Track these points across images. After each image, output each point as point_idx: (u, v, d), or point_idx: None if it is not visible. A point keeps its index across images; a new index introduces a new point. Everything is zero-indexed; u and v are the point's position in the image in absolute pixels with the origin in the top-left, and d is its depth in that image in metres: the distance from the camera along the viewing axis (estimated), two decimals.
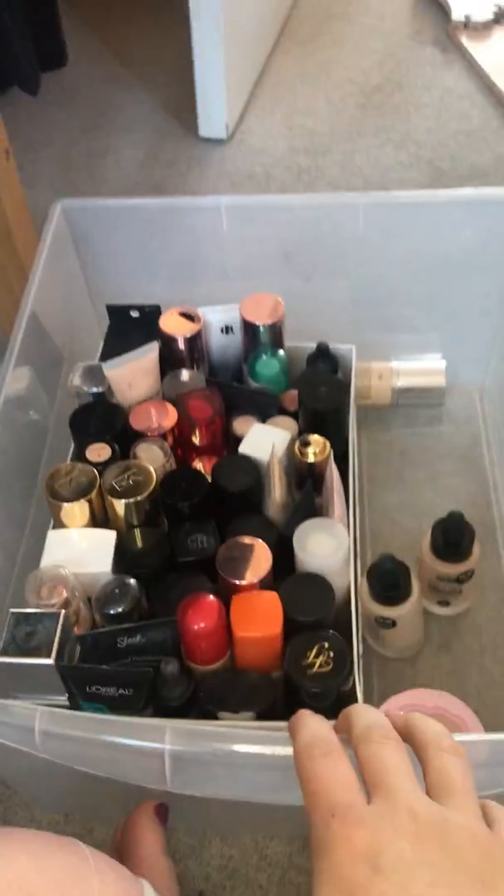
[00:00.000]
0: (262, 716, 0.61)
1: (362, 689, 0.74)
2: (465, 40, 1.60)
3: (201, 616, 0.60)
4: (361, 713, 0.41)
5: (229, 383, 0.81)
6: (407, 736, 0.41)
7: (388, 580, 0.70)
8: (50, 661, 0.59)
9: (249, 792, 0.50)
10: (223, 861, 0.68)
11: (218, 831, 0.69)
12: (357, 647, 0.71)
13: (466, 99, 1.51)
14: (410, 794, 0.36)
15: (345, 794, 0.37)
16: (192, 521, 0.70)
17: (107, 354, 0.83)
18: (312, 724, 0.41)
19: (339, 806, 0.36)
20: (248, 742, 0.48)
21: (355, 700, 0.62)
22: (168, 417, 0.76)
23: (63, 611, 0.61)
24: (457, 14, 1.62)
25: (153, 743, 0.48)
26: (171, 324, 0.80)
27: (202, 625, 0.60)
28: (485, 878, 0.33)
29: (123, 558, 0.68)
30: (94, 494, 0.69)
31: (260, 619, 0.61)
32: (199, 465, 0.77)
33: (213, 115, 1.42)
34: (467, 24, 1.61)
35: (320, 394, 0.75)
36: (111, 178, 1.41)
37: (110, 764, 0.51)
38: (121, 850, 0.62)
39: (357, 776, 0.38)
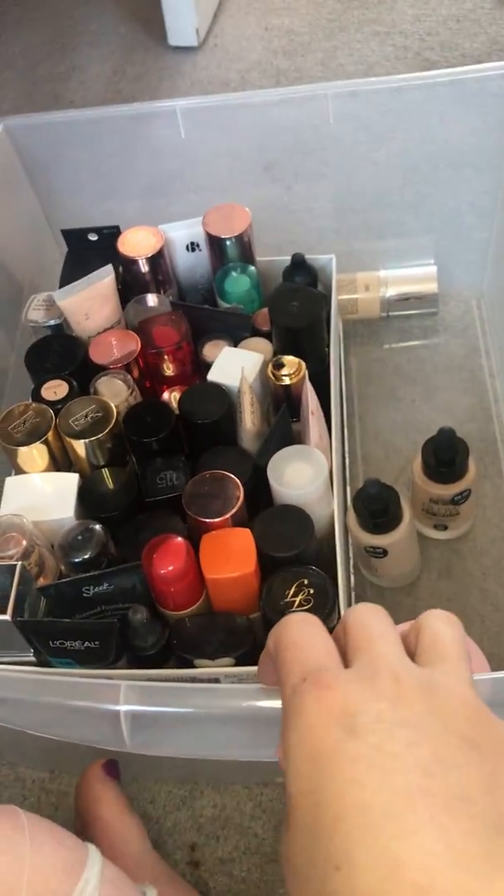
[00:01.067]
0: (241, 661, 0.56)
1: None
2: None
3: (168, 559, 0.56)
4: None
5: (197, 304, 0.75)
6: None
7: (375, 507, 0.64)
8: (6, 616, 0.54)
9: (216, 750, 0.46)
10: (216, 811, 0.65)
11: (209, 780, 0.65)
12: (348, 580, 0.66)
13: None
14: (395, 658, 0.32)
15: (320, 659, 0.32)
16: (161, 458, 0.65)
17: (66, 283, 0.77)
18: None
19: (313, 670, 0.32)
20: (209, 697, 0.43)
21: None
22: (131, 348, 0.70)
23: (20, 563, 0.57)
24: None
25: (107, 704, 0.44)
26: (130, 244, 0.74)
27: (170, 568, 0.56)
28: (472, 737, 0.29)
29: (88, 502, 0.64)
30: (50, 436, 0.64)
31: (232, 559, 0.57)
32: (169, 396, 0.71)
33: (182, 20, 1.32)
34: None
35: (292, 309, 0.68)
36: (79, 99, 1.32)
37: (65, 727, 0.47)
38: (81, 816, 0.59)
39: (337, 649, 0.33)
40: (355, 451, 0.84)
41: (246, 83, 1.29)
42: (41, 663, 0.59)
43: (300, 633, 0.33)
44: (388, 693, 0.30)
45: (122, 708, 0.43)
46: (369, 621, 0.33)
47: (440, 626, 0.33)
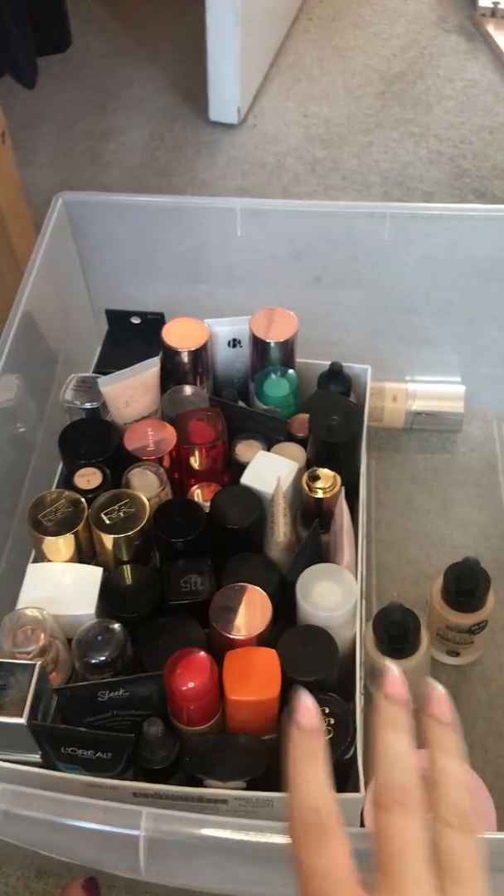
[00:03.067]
0: (253, 785, 0.55)
1: (362, 745, 0.68)
2: (491, 29, 1.52)
3: (191, 675, 0.55)
4: (386, 759, 0.34)
5: (234, 402, 0.75)
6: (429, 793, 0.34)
7: (396, 632, 0.64)
8: (22, 720, 0.53)
9: (235, 884, 0.45)
10: None
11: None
12: (359, 702, 0.65)
13: (491, 92, 1.44)
14: (417, 890, 0.31)
15: None
16: (185, 559, 0.65)
17: (103, 363, 0.77)
18: (309, 779, 0.34)
19: None
20: (233, 829, 0.42)
21: (355, 768, 0.56)
22: (165, 439, 0.70)
23: (38, 662, 0.55)
24: (484, 0, 1.54)
25: (127, 829, 0.42)
26: (175, 335, 0.74)
27: (191, 685, 0.55)
28: None
29: (110, 600, 0.62)
30: (80, 527, 0.63)
31: (256, 681, 0.56)
32: (197, 491, 0.71)
33: (225, 98, 1.35)
34: (495, 12, 1.53)
35: (332, 424, 0.68)
36: (116, 160, 1.33)
37: (78, 849, 0.45)
38: None
39: (352, 860, 0.32)
40: (371, 558, 0.83)
41: (282, 167, 1.31)
42: (46, 765, 0.57)
43: (312, 855, 0.32)
44: None
45: (143, 833, 0.42)
46: (393, 827, 0.32)
47: (454, 839, 0.32)
